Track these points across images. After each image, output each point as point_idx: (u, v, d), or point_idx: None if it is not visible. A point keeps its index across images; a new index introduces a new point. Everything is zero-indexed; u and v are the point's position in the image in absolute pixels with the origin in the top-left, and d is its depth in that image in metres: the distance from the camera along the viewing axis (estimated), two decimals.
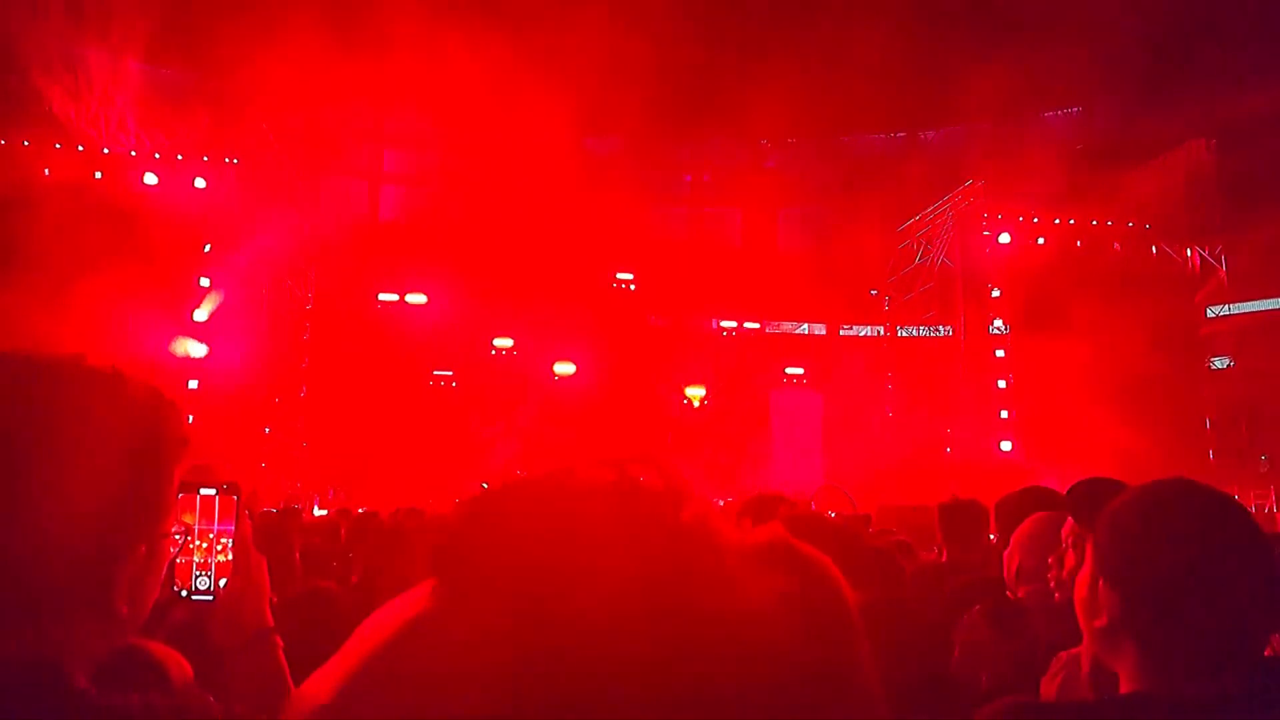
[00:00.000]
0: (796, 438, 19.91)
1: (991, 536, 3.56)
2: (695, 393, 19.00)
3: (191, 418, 15.28)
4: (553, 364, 18.42)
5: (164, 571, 0.94)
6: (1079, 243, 19.78)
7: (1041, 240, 19.85)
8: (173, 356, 15.19)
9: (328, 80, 15.77)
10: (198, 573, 1.14)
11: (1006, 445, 17.97)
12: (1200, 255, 19.89)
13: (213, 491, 1.15)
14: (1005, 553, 2.50)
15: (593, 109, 17.65)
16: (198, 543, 1.14)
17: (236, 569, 1.16)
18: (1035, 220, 19.58)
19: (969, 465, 17.05)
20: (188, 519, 1.12)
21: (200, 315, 15.32)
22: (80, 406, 0.88)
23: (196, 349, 15.46)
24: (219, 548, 1.15)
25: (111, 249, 13.47)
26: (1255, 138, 16.87)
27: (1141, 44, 16.52)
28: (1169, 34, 16.31)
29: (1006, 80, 17.66)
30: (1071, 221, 19.83)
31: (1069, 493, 2.02)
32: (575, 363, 18.39)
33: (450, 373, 18.55)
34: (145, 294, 14.10)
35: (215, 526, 1.15)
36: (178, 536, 0.94)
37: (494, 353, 18.48)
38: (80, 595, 0.83)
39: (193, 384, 15.52)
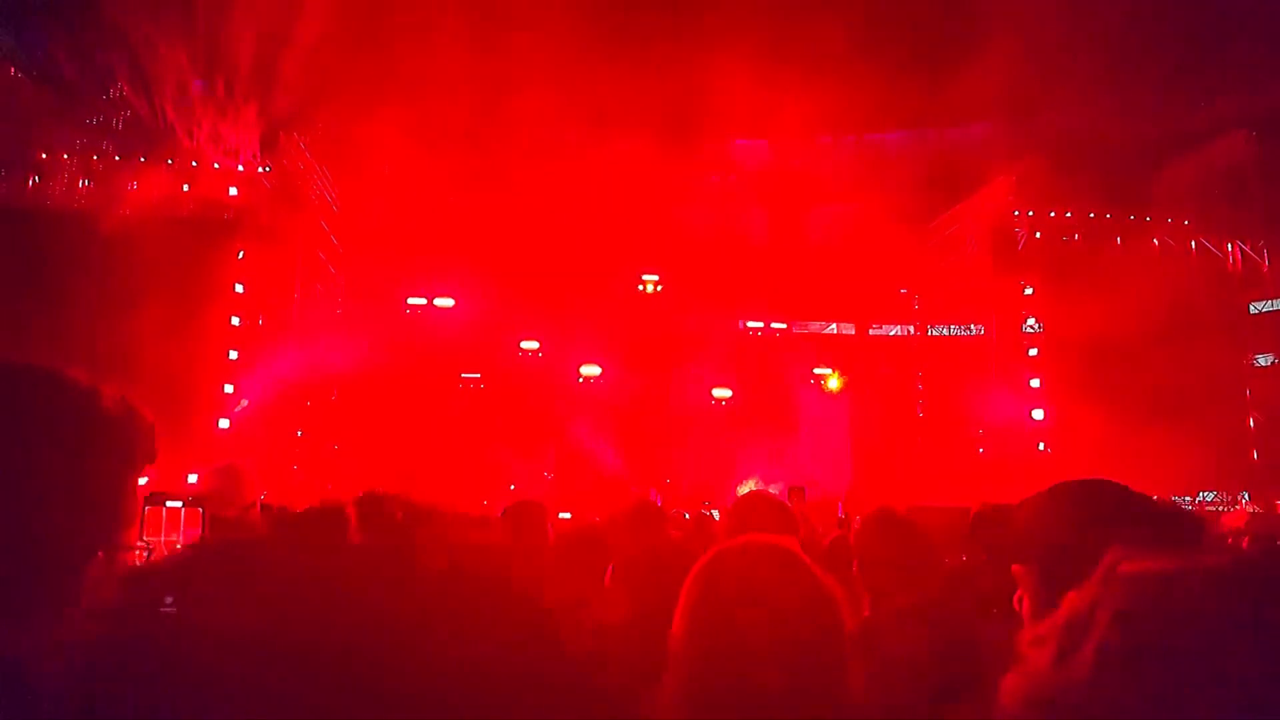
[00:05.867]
0: (825, 438, 19.74)
1: None
2: (722, 393, 18.92)
3: (227, 422, 15.59)
4: (579, 365, 18.47)
5: None
6: (1119, 239, 19.39)
7: (1076, 236, 19.51)
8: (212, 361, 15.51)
9: (351, 83, 15.98)
10: None
11: (1040, 445, 17.67)
12: (1242, 250, 19.38)
13: (179, 504, 1.14)
14: None
15: (618, 109, 17.66)
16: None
17: None
18: (1068, 215, 19.23)
19: (1001, 466, 16.79)
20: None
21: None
22: (49, 416, 0.89)
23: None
24: None
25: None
26: None
27: (1179, 34, 16.15)
28: (1206, 24, 15.93)
29: (1040, 73, 17.37)
30: (1108, 216, 19.46)
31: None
32: (601, 364, 18.43)
33: (478, 375, 18.68)
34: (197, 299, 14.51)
35: (180, 538, 1.14)
36: (141, 549, 0.95)
37: (521, 355, 18.57)
38: (38, 597, 0.84)
39: (229, 388, 15.83)
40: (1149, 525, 1.45)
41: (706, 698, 1.13)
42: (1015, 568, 1.47)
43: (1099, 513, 1.42)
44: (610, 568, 1.85)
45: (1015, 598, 1.46)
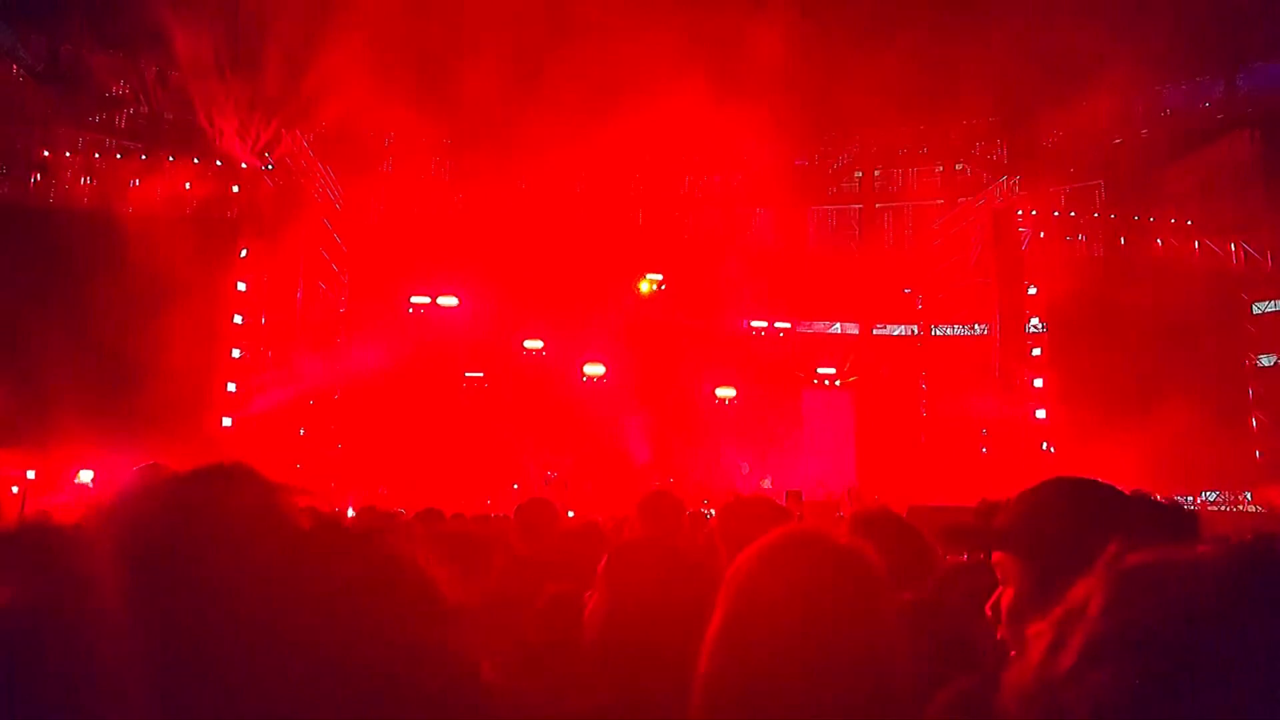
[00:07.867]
0: (829, 438, 19.73)
1: None
2: (726, 393, 18.90)
3: (230, 420, 15.60)
4: (583, 365, 18.47)
5: None
6: (1122, 239, 19.36)
7: (1080, 236, 19.47)
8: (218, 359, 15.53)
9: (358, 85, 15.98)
10: None
11: (1044, 445, 17.65)
12: (1245, 249, 19.33)
13: None
14: None
15: (622, 109, 17.63)
16: None
17: None
18: (1072, 214, 19.20)
19: (1005, 466, 16.76)
20: None
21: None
22: None
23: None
24: None
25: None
26: None
27: (1181, 33, 16.12)
28: (1209, 23, 15.90)
29: (1041, 72, 17.35)
30: (1112, 216, 19.42)
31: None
32: (605, 364, 18.42)
33: (481, 374, 18.68)
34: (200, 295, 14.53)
35: None
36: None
37: (525, 354, 18.57)
38: None
39: (231, 387, 15.84)
40: (1147, 521, 1.44)
41: (750, 703, 1.04)
42: (997, 556, 1.44)
43: (1098, 508, 1.41)
44: (604, 558, 1.83)
45: (995, 593, 1.43)
